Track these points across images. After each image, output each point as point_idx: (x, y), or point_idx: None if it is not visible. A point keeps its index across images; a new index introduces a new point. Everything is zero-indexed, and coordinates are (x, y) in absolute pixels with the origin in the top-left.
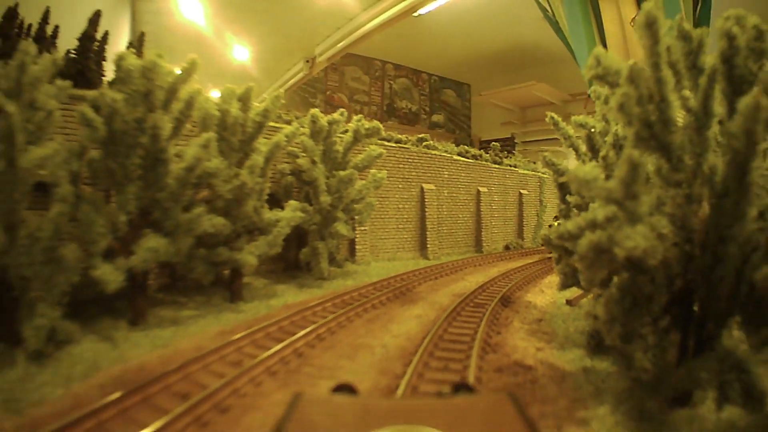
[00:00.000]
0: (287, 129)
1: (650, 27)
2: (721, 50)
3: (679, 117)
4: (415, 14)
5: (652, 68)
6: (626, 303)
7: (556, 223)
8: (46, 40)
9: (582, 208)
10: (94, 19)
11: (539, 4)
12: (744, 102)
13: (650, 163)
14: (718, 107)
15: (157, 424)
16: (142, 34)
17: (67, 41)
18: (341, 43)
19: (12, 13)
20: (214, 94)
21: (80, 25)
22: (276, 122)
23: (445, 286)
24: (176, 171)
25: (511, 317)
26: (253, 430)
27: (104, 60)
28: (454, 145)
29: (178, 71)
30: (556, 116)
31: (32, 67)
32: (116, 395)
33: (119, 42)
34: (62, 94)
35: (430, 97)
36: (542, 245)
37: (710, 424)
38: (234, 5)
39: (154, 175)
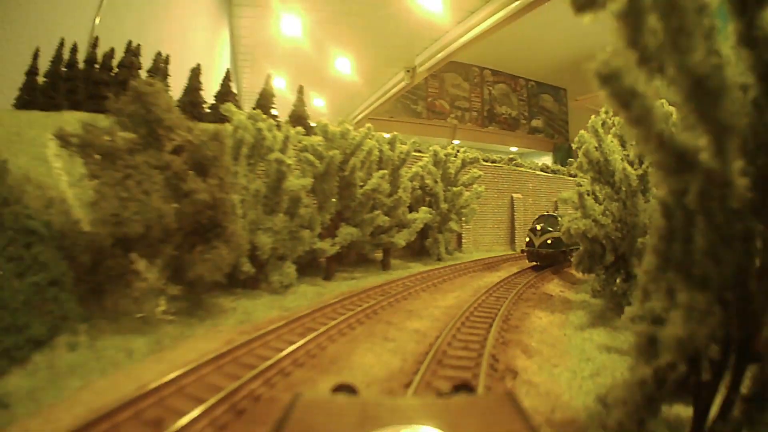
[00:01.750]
0: (421, 162)
1: (595, 131)
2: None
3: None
4: None
5: (598, 142)
6: (587, 256)
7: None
8: (160, 71)
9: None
10: (197, 70)
11: None
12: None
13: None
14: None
15: (365, 304)
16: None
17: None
18: (440, 54)
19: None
20: (317, 102)
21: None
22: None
23: (520, 265)
24: (362, 191)
25: (554, 277)
26: (415, 306)
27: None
28: (552, 151)
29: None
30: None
31: (288, 134)
32: (338, 299)
33: (222, 60)
34: (297, 146)
35: (528, 102)
36: None
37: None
38: (333, 20)
39: (347, 193)
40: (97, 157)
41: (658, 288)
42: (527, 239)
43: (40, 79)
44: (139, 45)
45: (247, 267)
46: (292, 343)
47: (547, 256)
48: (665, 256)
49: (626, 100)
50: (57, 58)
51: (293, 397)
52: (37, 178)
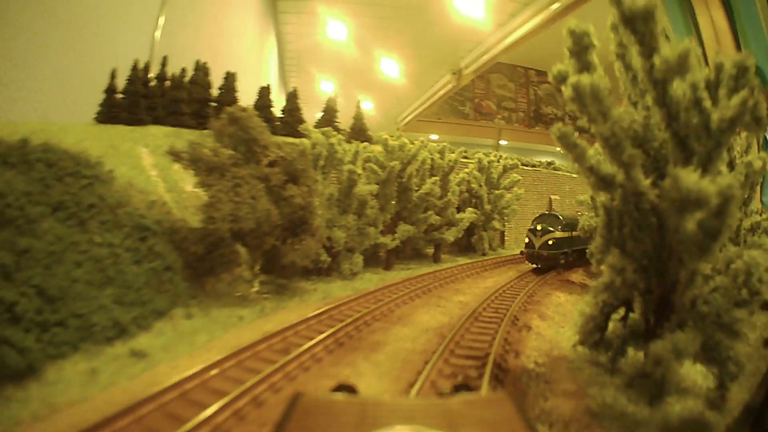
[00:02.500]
0: (467, 168)
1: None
2: None
3: None
4: None
5: None
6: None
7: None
8: (230, 88)
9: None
10: (266, 89)
11: None
12: None
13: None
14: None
15: (421, 284)
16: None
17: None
18: (485, 56)
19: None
20: (365, 105)
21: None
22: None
23: None
24: (417, 194)
25: (579, 269)
26: (461, 287)
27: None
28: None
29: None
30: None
31: (357, 149)
32: (399, 281)
33: (270, 65)
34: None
35: None
36: None
37: None
38: (378, 25)
39: (405, 196)
40: (205, 169)
41: (603, 259)
42: (526, 240)
43: (119, 96)
44: (205, 63)
45: (325, 257)
46: (367, 307)
47: (549, 258)
48: (607, 238)
49: (571, 148)
50: (133, 76)
51: (294, 397)
52: (138, 185)
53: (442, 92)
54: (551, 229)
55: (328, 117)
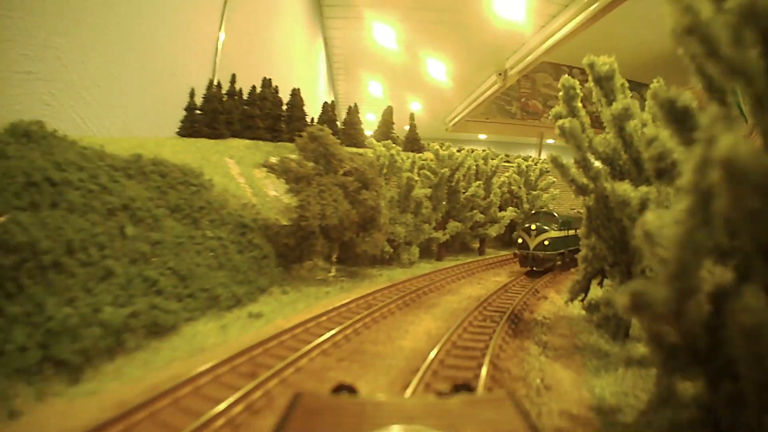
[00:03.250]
0: (508, 172)
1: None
2: None
3: None
4: None
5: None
6: None
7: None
8: (297, 104)
9: None
10: (330, 105)
11: None
12: None
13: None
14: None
15: (467, 269)
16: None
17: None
18: (529, 57)
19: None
20: (414, 106)
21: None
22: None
23: None
24: (464, 196)
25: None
26: (499, 271)
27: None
28: None
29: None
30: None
31: (414, 159)
32: (449, 266)
33: (319, 69)
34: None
35: None
36: None
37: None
38: (424, 29)
39: (454, 198)
40: (293, 178)
41: (588, 242)
42: (519, 240)
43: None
44: (270, 79)
45: (388, 248)
46: (425, 284)
47: (545, 260)
48: (588, 227)
49: (559, 168)
50: (210, 94)
51: (294, 397)
52: (231, 190)
53: (489, 93)
54: (546, 228)
55: (385, 128)
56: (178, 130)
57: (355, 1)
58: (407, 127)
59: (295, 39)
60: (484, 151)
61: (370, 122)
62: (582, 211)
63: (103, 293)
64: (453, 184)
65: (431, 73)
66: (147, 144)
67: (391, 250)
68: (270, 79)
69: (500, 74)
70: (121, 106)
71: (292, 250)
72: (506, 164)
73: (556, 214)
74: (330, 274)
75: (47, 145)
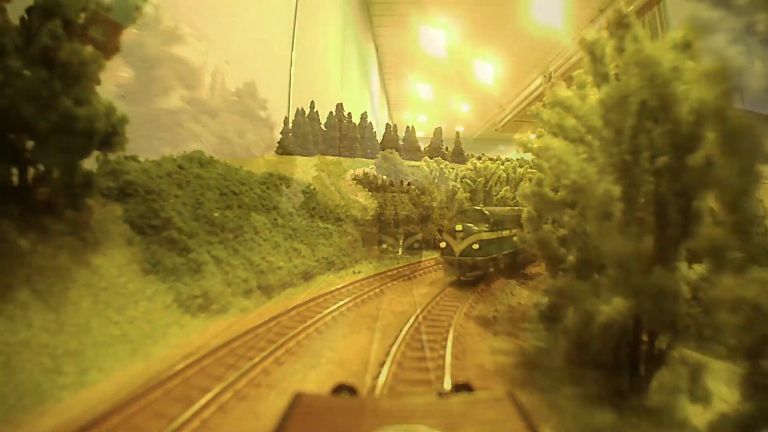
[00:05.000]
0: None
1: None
2: None
3: None
4: None
5: None
6: None
7: None
8: (367, 126)
9: None
10: (393, 128)
11: None
12: None
13: None
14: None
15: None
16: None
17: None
18: (571, 60)
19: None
20: (463, 107)
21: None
22: None
23: None
24: (496, 198)
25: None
26: None
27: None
28: None
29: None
30: None
31: (458, 171)
32: None
33: (372, 74)
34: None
35: None
36: None
37: None
38: (471, 33)
39: (488, 200)
40: (374, 188)
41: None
42: (443, 245)
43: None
44: (341, 104)
45: (438, 237)
46: None
47: (474, 266)
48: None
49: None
50: (299, 120)
51: (294, 397)
52: (328, 195)
53: (535, 94)
54: (476, 228)
55: (436, 144)
56: (276, 149)
57: (402, 9)
58: (458, 129)
59: (351, 51)
60: (516, 161)
61: (422, 124)
62: (518, 207)
63: (277, 254)
64: (487, 189)
65: (479, 76)
66: (257, 162)
67: (440, 237)
68: (341, 103)
69: (545, 76)
70: (228, 131)
71: (373, 236)
72: (531, 171)
73: (487, 212)
74: (398, 253)
75: (213, 168)
